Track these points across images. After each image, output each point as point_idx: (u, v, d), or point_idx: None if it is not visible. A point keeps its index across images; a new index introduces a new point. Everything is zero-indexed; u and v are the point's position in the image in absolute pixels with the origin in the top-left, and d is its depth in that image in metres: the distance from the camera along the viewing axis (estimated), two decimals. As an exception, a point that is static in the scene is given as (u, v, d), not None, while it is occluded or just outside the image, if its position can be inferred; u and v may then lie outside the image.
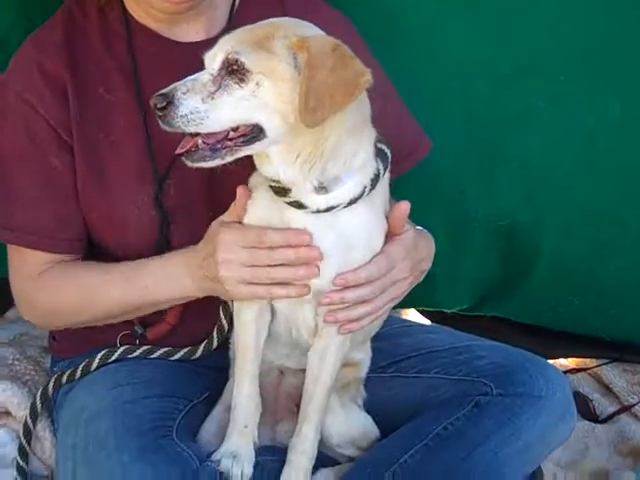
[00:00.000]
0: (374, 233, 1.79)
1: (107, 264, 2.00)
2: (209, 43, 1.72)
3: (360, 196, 1.74)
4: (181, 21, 2.01)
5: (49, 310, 2.06)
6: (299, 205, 1.73)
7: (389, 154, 1.81)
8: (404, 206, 1.82)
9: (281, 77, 1.63)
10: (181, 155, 1.69)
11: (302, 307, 1.84)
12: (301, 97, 1.60)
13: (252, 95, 1.63)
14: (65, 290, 2.01)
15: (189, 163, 1.69)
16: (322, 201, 1.72)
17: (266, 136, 1.66)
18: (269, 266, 1.75)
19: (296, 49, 1.63)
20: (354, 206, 1.74)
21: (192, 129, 1.64)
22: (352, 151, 1.72)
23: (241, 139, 1.66)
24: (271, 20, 1.72)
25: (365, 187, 1.74)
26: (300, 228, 1.73)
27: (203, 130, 1.64)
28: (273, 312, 1.89)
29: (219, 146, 1.67)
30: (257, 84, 1.62)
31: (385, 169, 1.79)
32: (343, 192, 1.72)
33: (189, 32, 2.03)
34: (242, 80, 1.62)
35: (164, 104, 1.61)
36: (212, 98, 1.62)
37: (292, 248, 1.73)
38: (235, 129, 1.66)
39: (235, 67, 1.62)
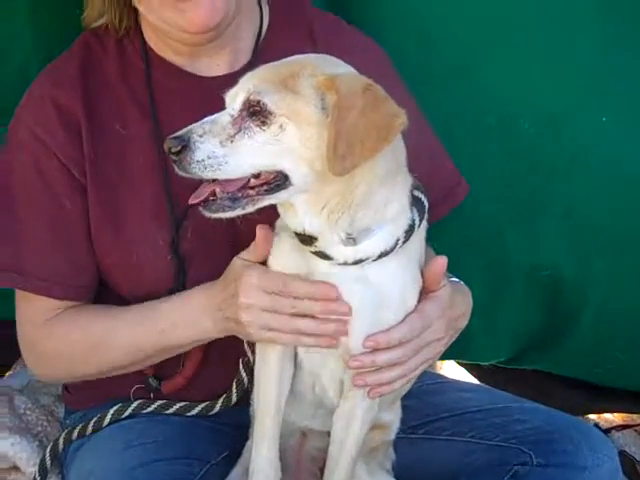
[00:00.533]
0: (408, 290, 1.68)
1: (116, 309, 1.93)
2: (233, 77, 1.64)
3: (392, 249, 1.62)
4: (202, 54, 1.94)
5: (54, 359, 1.98)
6: (325, 256, 1.62)
7: (426, 203, 1.70)
8: (441, 261, 1.70)
9: (307, 120, 1.53)
10: (197, 205, 1.59)
11: (328, 361, 1.74)
12: (330, 142, 1.49)
13: (275, 139, 1.53)
14: (72, 337, 1.94)
15: (207, 214, 1.59)
16: (350, 253, 1.61)
17: (292, 184, 1.55)
18: (294, 315, 1.65)
19: (324, 89, 1.53)
20: (386, 259, 1.62)
21: (209, 175, 1.54)
22: (384, 200, 1.61)
23: (264, 187, 1.56)
24: (297, 57, 1.62)
25: (398, 239, 1.63)
26: (328, 282, 1.62)
27: (221, 176, 1.55)
28: (297, 366, 1.78)
29: (239, 195, 1.57)
30: (281, 127, 1.52)
31: (421, 219, 1.68)
32: (373, 244, 1.61)
33: (211, 66, 1.95)
34: (264, 123, 1.53)
35: (179, 148, 1.52)
36: (231, 142, 1.53)
37: (318, 301, 1.63)
38: (257, 176, 1.56)
39: (257, 108, 1.53)
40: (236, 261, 1.74)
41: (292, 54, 1.64)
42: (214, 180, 1.57)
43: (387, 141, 1.53)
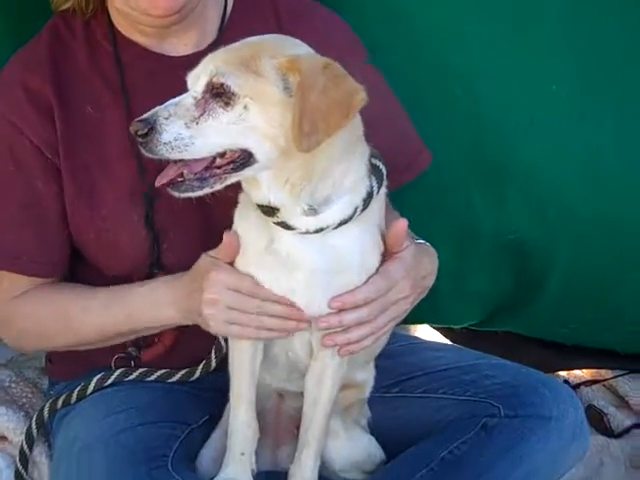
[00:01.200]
0: (368, 253, 1.73)
1: (88, 289, 1.98)
2: (200, 56, 1.67)
3: (351, 217, 1.68)
4: (169, 35, 1.97)
5: (25, 333, 2.04)
6: (287, 226, 1.67)
7: (384, 171, 1.75)
8: (402, 223, 1.76)
9: (270, 100, 1.57)
10: (165, 185, 1.63)
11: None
12: (295, 121, 1.54)
13: (239, 119, 1.57)
14: (41, 314, 1.99)
15: (176, 194, 1.63)
16: (311, 223, 1.66)
17: (256, 161, 1.60)
18: (258, 314, 1.73)
19: (286, 70, 1.57)
20: (346, 226, 1.68)
21: (176, 156, 1.58)
22: (343, 172, 1.66)
23: (230, 166, 1.61)
24: (257, 38, 1.66)
25: (357, 207, 1.68)
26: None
27: (188, 157, 1.58)
28: None
29: (207, 174, 1.61)
30: (245, 108, 1.56)
31: (379, 187, 1.73)
32: (333, 213, 1.67)
33: (178, 45, 1.98)
34: (228, 104, 1.57)
35: (146, 130, 1.56)
36: (197, 123, 1.56)
37: (285, 306, 1.71)
38: (222, 155, 1.60)
39: (220, 90, 1.57)
40: (204, 258, 1.78)
41: (256, 34, 1.68)
42: (180, 160, 1.60)
43: (348, 118, 1.58)
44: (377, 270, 1.74)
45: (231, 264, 1.74)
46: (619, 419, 2.72)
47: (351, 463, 1.97)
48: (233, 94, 1.56)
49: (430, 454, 1.92)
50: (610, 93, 2.42)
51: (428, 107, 2.38)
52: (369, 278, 1.72)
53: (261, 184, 1.64)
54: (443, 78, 2.42)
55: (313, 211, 1.65)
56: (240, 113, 1.56)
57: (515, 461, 1.89)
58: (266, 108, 1.57)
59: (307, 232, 1.66)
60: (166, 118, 1.56)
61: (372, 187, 1.70)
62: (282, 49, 1.61)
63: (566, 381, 2.85)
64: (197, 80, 1.60)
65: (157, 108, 1.58)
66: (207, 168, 1.60)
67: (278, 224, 1.67)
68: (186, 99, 1.59)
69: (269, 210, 1.67)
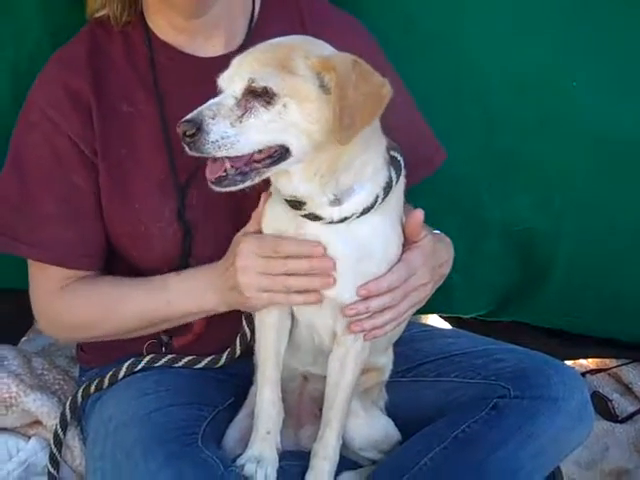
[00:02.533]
0: (390, 241, 1.83)
1: (127, 279, 2.05)
2: (228, 58, 1.75)
3: (373, 205, 1.77)
4: (199, 33, 2.06)
5: (67, 324, 2.11)
6: (314, 217, 1.77)
7: (402, 162, 1.85)
8: (418, 213, 1.86)
9: (307, 98, 1.67)
10: (212, 182, 1.70)
11: (322, 314, 1.88)
12: (336, 117, 1.64)
13: (279, 117, 1.66)
14: (84, 305, 2.06)
15: (219, 189, 1.71)
16: (336, 212, 1.76)
17: (292, 155, 1.69)
18: (285, 275, 1.80)
19: (320, 69, 1.67)
20: (368, 215, 1.78)
21: (222, 154, 1.65)
22: (363, 162, 1.76)
23: (268, 160, 1.69)
24: (282, 40, 1.75)
25: (378, 196, 1.78)
26: (314, 240, 1.77)
27: (233, 154, 1.66)
28: (294, 319, 1.93)
29: (247, 169, 1.69)
30: (284, 106, 1.65)
31: (398, 177, 1.83)
32: (356, 202, 1.76)
33: (208, 46, 2.07)
34: (269, 103, 1.65)
35: (194, 130, 1.62)
36: (240, 122, 1.64)
37: (306, 259, 1.77)
38: (260, 151, 1.68)
39: (261, 91, 1.65)
40: (237, 236, 1.88)
41: (282, 36, 1.77)
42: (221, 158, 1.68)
43: (380, 109, 1.69)
44: (399, 259, 1.84)
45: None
46: (623, 405, 2.81)
47: (370, 442, 2.06)
48: (274, 94, 1.64)
49: (443, 433, 2.00)
50: (621, 87, 2.47)
51: (439, 104, 2.44)
52: (392, 266, 1.82)
53: (292, 177, 1.73)
54: (454, 76, 2.48)
55: (337, 201, 1.75)
56: (280, 111, 1.65)
57: (525, 439, 1.96)
58: (303, 105, 1.66)
59: (332, 222, 1.76)
60: (212, 118, 1.63)
61: (391, 177, 1.80)
62: (312, 50, 1.71)
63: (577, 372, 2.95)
64: (232, 81, 1.68)
65: (201, 108, 1.65)
66: (247, 163, 1.68)
67: (306, 216, 1.77)
68: (227, 99, 1.66)
69: (296, 204, 1.77)
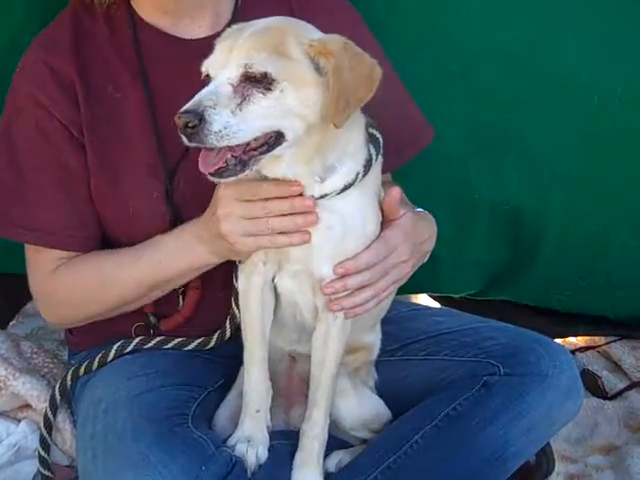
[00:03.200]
0: (368, 218, 1.83)
1: (118, 249, 2.04)
2: (213, 39, 1.74)
3: (353, 182, 1.78)
4: (185, 15, 2.04)
5: (67, 303, 2.10)
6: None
7: (381, 139, 1.85)
8: (395, 192, 1.86)
9: (304, 82, 1.66)
10: (211, 174, 1.67)
11: (302, 290, 1.89)
12: (333, 100, 1.64)
13: (277, 102, 1.64)
14: (80, 280, 2.05)
15: (220, 180, 1.69)
16: (317, 189, 1.77)
17: (286, 140, 1.67)
18: (268, 217, 1.78)
19: (316, 54, 1.66)
20: (347, 192, 1.78)
21: (225, 144, 1.61)
22: (346, 140, 1.76)
23: (264, 147, 1.67)
24: (270, 23, 1.72)
25: (358, 173, 1.78)
26: (291, 179, 1.76)
27: (234, 143, 1.63)
28: (277, 297, 1.93)
29: (245, 157, 1.67)
30: (281, 91, 1.64)
31: (377, 154, 1.83)
32: (337, 179, 1.77)
33: (193, 28, 2.05)
34: (268, 89, 1.63)
35: (196, 122, 1.57)
36: (240, 110, 1.61)
37: (286, 199, 1.76)
38: (255, 138, 1.66)
39: (260, 77, 1.63)
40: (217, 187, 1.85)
41: (268, 16, 1.75)
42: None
43: (372, 91, 1.69)
44: (377, 236, 1.85)
45: None
46: (613, 382, 2.83)
47: (360, 422, 2.07)
48: (272, 80, 1.63)
49: (434, 411, 2.01)
50: (611, 62, 2.47)
51: (427, 83, 2.46)
52: (370, 243, 1.82)
53: (281, 161, 1.72)
54: (442, 56, 2.49)
55: (320, 179, 1.75)
56: (278, 97, 1.63)
57: (515, 416, 1.98)
58: (300, 89, 1.65)
59: (312, 197, 1.76)
60: (213, 108, 1.59)
61: (371, 154, 1.81)
62: (303, 33, 1.70)
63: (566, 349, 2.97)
64: (224, 67, 1.64)
65: (199, 98, 1.60)
66: (245, 151, 1.66)
67: None
68: (224, 87, 1.62)
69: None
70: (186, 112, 1.58)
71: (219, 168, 1.66)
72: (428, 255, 2.03)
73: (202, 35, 2.05)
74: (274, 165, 1.74)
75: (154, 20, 2.06)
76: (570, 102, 2.51)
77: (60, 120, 1.99)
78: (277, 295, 1.93)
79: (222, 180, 1.69)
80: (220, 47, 1.69)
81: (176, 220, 2.01)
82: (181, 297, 2.11)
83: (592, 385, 2.82)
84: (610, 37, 2.46)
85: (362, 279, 1.82)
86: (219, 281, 2.04)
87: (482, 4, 2.45)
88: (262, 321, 1.92)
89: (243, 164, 1.67)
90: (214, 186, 1.93)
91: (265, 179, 1.76)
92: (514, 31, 2.47)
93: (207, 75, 1.68)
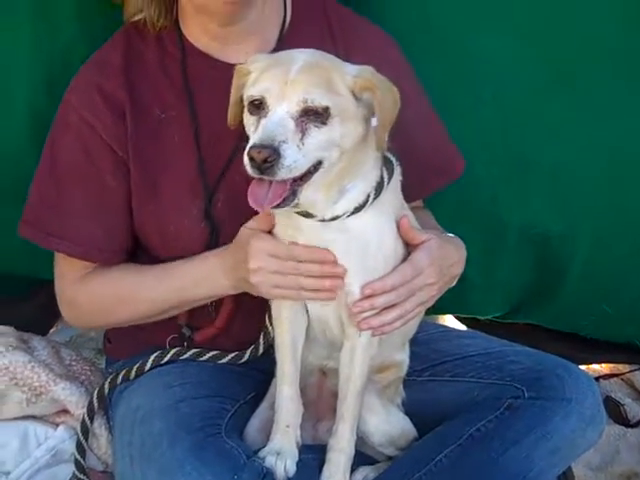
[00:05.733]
0: (384, 236, 1.89)
1: (142, 267, 2.12)
2: None
3: (364, 204, 1.84)
4: (232, 40, 2.11)
5: (87, 311, 2.19)
6: (307, 214, 1.83)
7: (394, 161, 1.92)
8: (402, 221, 1.92)
9: (350, 116, 1.75)
10: (275, 207, 1.72)
11: (329, 307, 1.95)
12: (381, 130, 1.76)
13: (328, 136, 1.72)
14: (102, 293, 2.14)
15: (278, 210, 1.74)
16: (329, 211, 1.83)
17: (322, 167, 1.74)
18: (297, 275, 1.87)
19: (361, 89, 1.75)
20: (361, 213, 1.84)
21: (289, 176, 1.67)
22: (360, 163, 1.83)
23: (309, 175, 1.73)
24: (309, 56, 1.78)
25: (369, 195, 1.85)
26: (324, 248, 1.84)
27: (296, 175, 1.69)
28: (309, 316, 2.00)
29: (296, 186, 1.72)
30: (332, 125, 1.71)
31: (390, 176, 1.89)
32: (348, 201, 1.83)
33: (240, 53, 2.09)
34: (324, 123, 1.70)
35: (274, 157, 1.63)
36: (303, 144, 1.67)
37: (317, 264, 1.85)
38: None
39: (318, 111, 1.70)
40: (244, 230, 1.94)
41: (313, 46, 1.82)
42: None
43: (395, 116, 1.78)
44: (404, 259, 1.91)
45: (270, 233, 1.91)
46: (635, 410, 2.86)
47: (387, 438, 2.11)
48: (330, 115, 1.71)
49: (459, 431, 2.05)
50: (635, 93, 2.50)
51: (456, 106, 2.48)
52: (389, 261, 1.89)
53: (308, 187, 1.76)
54: (471, 79, 2.52)
55: (333, 202, 1.83)
56: (329, 130, 1.71)
57: (537, 439, 2.01)
58: (346, 123, 1.73)
59: (324, 220, 1.83)
60: (285, 142, 1.65)
61: (382, 176, 1.87)
62: (341, 67, 1.78)
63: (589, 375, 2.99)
64: (283, 99, 1.69)
65: (271, 132, 1.65)
66: (295, 181, 1.71)
67: (299, 213, 1.83)
68: (287, 121, 1.68)
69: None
70: (263, 146, 1.64)
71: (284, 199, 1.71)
72: (457, 279, 2.08)
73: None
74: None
75: (202, 45, 2.13)
76: (600, 128, 2.53)
77: (105, 139, 2.06)
78: (308, 313, 1.99)
79: (281, 209, 1.73)
80: (271, 77, 1.73)
81: (214, 236, 2.08)
82: (214, 309, 2.18)
83: (614, 412, 2.85)
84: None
85: (388, 299, 1.88)
86: (252, 295, 2.06)
87: (514, 31, 2.48)
88: (293, 340, 1.98)
89: (293, 194, 1.72)
90: (250, 206, 2.01)
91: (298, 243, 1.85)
92: (546, 58, 2.50)
93: (258, 100, 1.73)
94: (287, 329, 1.98)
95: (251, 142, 1.67)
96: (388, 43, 2.26)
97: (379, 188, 1.86)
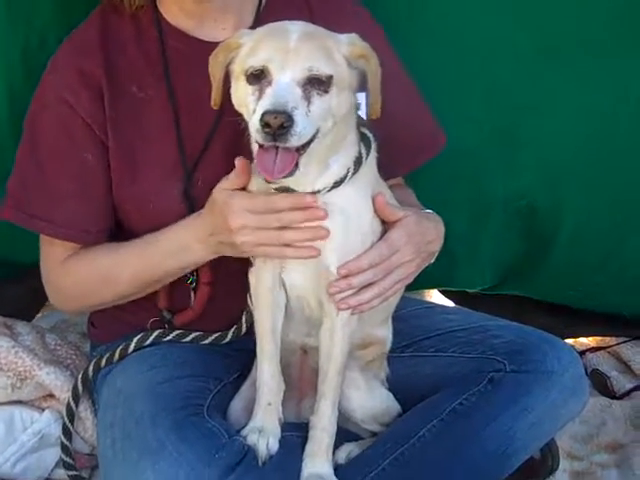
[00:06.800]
0: (361, 213, 1.89)
1: (119, 245, 2.11)
2: None
3: (344, 179, 1.84)
4: (209, 18, 2.10)
5: (70, 293, 2.19)
6: (286, 190, 1.83)
7: (372, 138, 1.91)
8: (378, 198, 1.91)
9: (345, 85, 1.76)
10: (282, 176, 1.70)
11: (307, 284, 1.94)
12: (376, 96, 1.78)
13: (327, 104, 1.72)
14: (84, 275, 2.14)
15: (288, 179, 1.74)
16: (309, 185, 1.82)
17: (317, 137, 1.73)
18: (280, 229, 1.85)
19: (357, 57, 1.77)
20: (339, 189, 1.84)
21: (298, 144, 1.67)
22: (341, 137, 1.83)
23: (308, 145, 1.72)
24: (304, 29, 1.77)
25: (349, 169, 1.84)
26: (305, 193, 1.82)
27: (303, 142, 1.68)
28: (287, 293, 1.99)
29: (297, 156, 1.70)
30: (331, 93, 1.72)
31: (368, 152, 1.89)
32: (329, 175, 1.83)
33: (217, 30, 2.10)
34: (326, 92, 1.71)
35: (290, 122, 1.62)
36: (309, 111, 1.67)
37: (300, 210, 1.82)
38: None
39: (322, 79, 1.70)
40: (217, 193, 1.91)
41: (290, 19, 1.81)
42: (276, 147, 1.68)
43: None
44: (380, 237, 1.91)
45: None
46: (621, 382, 2.87)
47: (371, 414, 2.12)
48: (331, 83, 1.71)
49: (441, 406, 2.06)
50: (628, 62, 2.49)
51: (443, 82, 2.49)
52: (365, 239, 1.89)
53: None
54: (455, 53, 2.52)
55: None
56: (328, 98, 1.71)
57: (519, 412, 2.03)
58: (342, 92, 1.75)
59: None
60: (297, 108, 1.64)
61: (361, 152, 1.87)
62: (334, 36, 1.79)
63: (571, 347, 3.00)
64: (287, 68, 1.68)
65: (283, 99, 1.64)
66: (298, 150, 1.70)
67: (277, 189, 1.83)
68: (295, 88, 1.67)
69: None
70: (277, 112, 1.62)
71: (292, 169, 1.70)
72: (435, 255, 2.08)
73: (225, 37, 2.08)
74: None
75: (179, 23, 2.12)
76: (585, 99, 2.53)
77: (84, 118, 2.05)
78: (286, 290, 1.99)
79: (288, 178, 1.72)
80: (271, 46, 1.72)
81: (192, 213, 2.05)
82: (192, 293, 2.18)
83: (601, 385, 2.86)
84: (630, 35, 2.48)
85: (365, 278, 1.88)
86: (230, 277, 2.08)
87: (498, 3, 2.48)
88: (272, 317, 1.98)
89: (296, 163, 1.71)
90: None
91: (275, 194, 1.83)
92: (529, 30, 2.50)
93: (258, 70, 1.71)
94: (266, 306, 1.98)
95: (262, 108, 1.64)
96: (364, 16, 2.25)
97: (358, 163, 1.86)
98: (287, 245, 1.86)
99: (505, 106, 2.57)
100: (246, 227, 1.86)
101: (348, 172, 1.84)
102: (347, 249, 1.87)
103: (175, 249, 2.03)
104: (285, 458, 1.96)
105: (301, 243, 1.85)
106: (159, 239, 2.05)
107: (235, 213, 1.86)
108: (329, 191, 1.83)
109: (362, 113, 1.91)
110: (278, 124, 1.62)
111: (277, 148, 1.68)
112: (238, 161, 1.88)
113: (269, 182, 1.81)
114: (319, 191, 1.83)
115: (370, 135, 1.92)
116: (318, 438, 1.97)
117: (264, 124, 1.62)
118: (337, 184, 1.83)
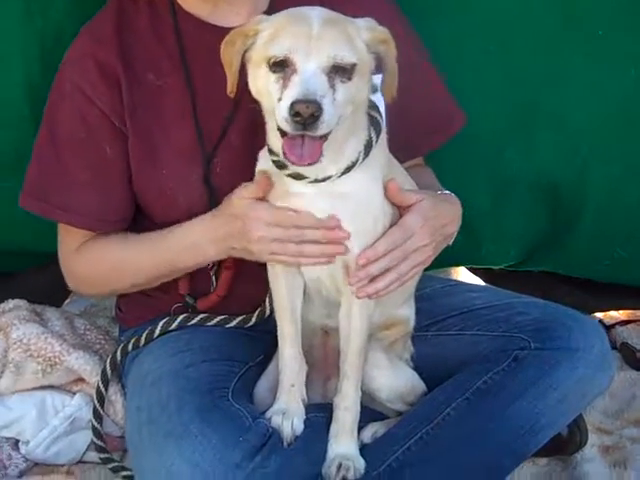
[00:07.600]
0: (372, 197, 1.88)
1: (133, 237, 2.14)
2: None
3: (355, 163, 1.83)
4: (223, 4, 2.10)
5: (85, 279, 2.23)
6: (298, 176, 1.82)
7: (382, 121, 1.90)
8: (390, 184, 1.90)
9: (367, 71, 1.76)
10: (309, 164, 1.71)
11: (324, 270, 1.95)
12: (393, 82, 1.77)
13: (350, 92, 1.72)
14: (96, 264, 2.17)
15: (311, 167, 1.73)
16: (320, 171, 1.82)
17: (338, 124, 1.72)
18: (298, 243, 1.86)
19: (378, 43, 1.76)
20: (351, 173, 1.83)
21: (326, 132, 1.67)
22: (358, 121, 1.82)
23: (329, 132, 1.71)
24: (324, 15, 1.75)
25: (360, 153, 1.83)
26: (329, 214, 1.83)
27: (329, 130, 1.68)
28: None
29: (321, 143, 1.70)
30: (354, 81, 1.71)
31: (378, 136, 1.88)
32: (342, 161, 1.83)
33: (231, 16, 2.09)
34: (349, 79, 1.70)
35: (321, 111, 1.62)
36: (334, 99, 1.67)
37: (321, 230, 1.84)
38: None
39: (346, 67, 1.70)
40: (238, 201, 1.92)
41: (304, 4, 1.80)
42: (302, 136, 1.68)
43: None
44: (395, 222, 1.91)
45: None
46: (651, 356, 2.83)
47: (396, 394, 2.12)
48: (354, 70, 1.71)
49: (466, 384, 2.06)
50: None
51: (462, 61, 2.49)
52: (378, 223, 1.88)
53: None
54: (478, 34, 2.51)
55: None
56: (351, 86, 1.71)
57: (545, 389, 2.02)
58: (363, 79, 1.74)
59: (316, 180, 1.82)
60: (325, 97, 1.64)
61: (371, 136, 1.85)
62: (354, 22, 1.78)
63: (601, 321, 2.99)
64: (308, 55, 1.67)
65: (312, 87, 1.64)
66: (321, 137, 1.69)
67: (290, 175, 1.83)
68: (321, 77, 1.66)
69: (282, 164, 1.82)
70: (308, 101, 1.62)
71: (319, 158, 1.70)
72: (453, 237, 2.07)
73: (240, 23, 2.06)
74: None
75: (193, 9, 2.12)
76: (607, 75, 2.51)
77: (101, 108, 2.06)
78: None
79: (313, 166, 1.72)
80: (293, 34, 1.71)
81: (213, 201, 2.07)
82: (214, 277, 2.20)
83: (630, 358, 2.84)
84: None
85: (383, 265, 1.88)
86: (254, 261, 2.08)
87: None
88: (291, 299, 1.99)
89: (321, 152, 1.71)
90: (247, 170, 1.99)
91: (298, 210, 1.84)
92: (549, 7, 2.48)
93: (282, 60, 1.70)
94: (284, 290, 1.99)
95: (291, 98, 1.64)
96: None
97: (368, 147, 1.85)
98: (303, 256, 1.88)
99: (526, 82, 2.55)
100: (266, 239, 1.88)
101: (359, 156, 1.84)
102: (359, 234, 1.86)
103: (188, 245, 2.05)
104: (310, 439, 1.97)
105: (320, 257, 1.88)
106: (174, 233, 2.07)
107: (256, 225, 1.88)
108: (339, 177, 1.83)
109: (374, 96, 1.89)
110: (309, 113, 1.61)
111: (303, 136, 1.68)
112: (257, 174, 1.89)
113: (281, 168, 1.81)
114: (331, 176, 1.82)
115: (380, 118, 1.91)
116: (341, 418, 1.98)
117: (294, 113, 1.62)
118: (348, 169, 1.83)
